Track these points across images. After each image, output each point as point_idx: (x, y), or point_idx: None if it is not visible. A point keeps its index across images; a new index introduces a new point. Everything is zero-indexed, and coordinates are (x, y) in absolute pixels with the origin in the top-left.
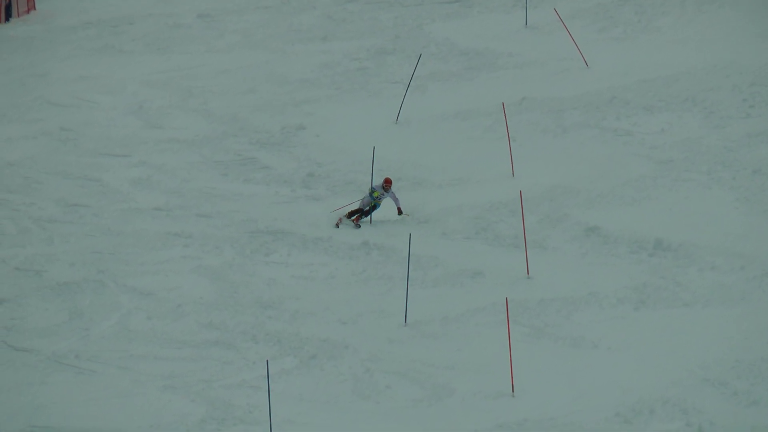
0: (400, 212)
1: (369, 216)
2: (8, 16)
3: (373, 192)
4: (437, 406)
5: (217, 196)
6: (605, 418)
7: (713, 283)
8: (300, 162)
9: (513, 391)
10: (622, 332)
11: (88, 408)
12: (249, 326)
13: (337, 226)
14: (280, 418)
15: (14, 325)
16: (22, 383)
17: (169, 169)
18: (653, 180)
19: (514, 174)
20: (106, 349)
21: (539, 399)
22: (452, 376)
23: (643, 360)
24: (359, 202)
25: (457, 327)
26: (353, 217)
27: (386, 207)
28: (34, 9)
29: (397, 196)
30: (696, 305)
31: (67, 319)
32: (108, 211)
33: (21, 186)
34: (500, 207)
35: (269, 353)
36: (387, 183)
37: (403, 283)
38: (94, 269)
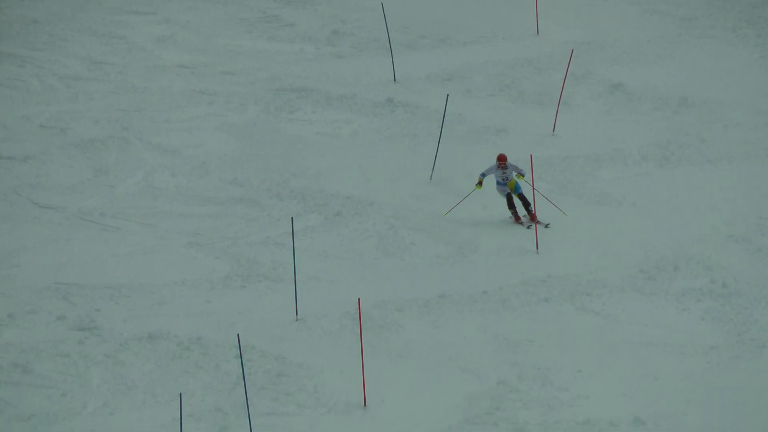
0: (520, 176)
1: (521, 207)
2: None
3: (492, 178)
4: (461, 263)
5: (241, 54)
6: (629, 275)
7: (737, 139)
8: (324, 19)
9: (537, 248)
10: (646, 189)
11: (112, 264)
12: (273, 183)
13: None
14: (305, 275)
15: (39, 183)
16: (48, 240)
17: (194, 27)
18: (677, 37)
19: (539, 31)
20: (131, 207)
21: (563, 256)
22: (477, 233)
23: (667, 217)
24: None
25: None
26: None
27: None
28: None
29: (519, 167)
30: (720, 162)
31: (92, 177)
32: (133, 69)
33: (46, 43)
34: (525, 64)
35: (293, 210)
36: (501, 160)
37: (428, 141)
38: (118, 126)
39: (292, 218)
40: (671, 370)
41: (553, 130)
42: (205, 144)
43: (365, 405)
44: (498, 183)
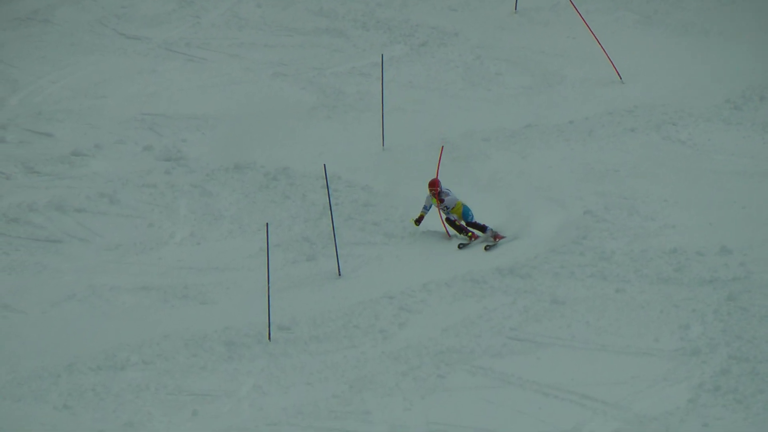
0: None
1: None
2: None
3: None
4: (547, 93)
5: None
6: (714, 105)
7: None
8: None
9: (621, 78)
10: (733, 20)
11: (198, 95)
12: (359, 14)
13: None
14: (391, 106)
15: (125, 14)
16: (134, 71)
17: None
18: None
19: None
20: (217, 37)
21: (649, 85)
22: (562, 63)
23: (755, 46)
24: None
25: (569, 13)
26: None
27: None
28: None
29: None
30: None
31: (177, 7)
32: None
33: None
34: None
35: (379, 40)
36: (432, 186)
37: None
38: None
39: (381, 56)
40: (758, 199)
41: None
42: None
43: (449, 237)
44: (443, 212)
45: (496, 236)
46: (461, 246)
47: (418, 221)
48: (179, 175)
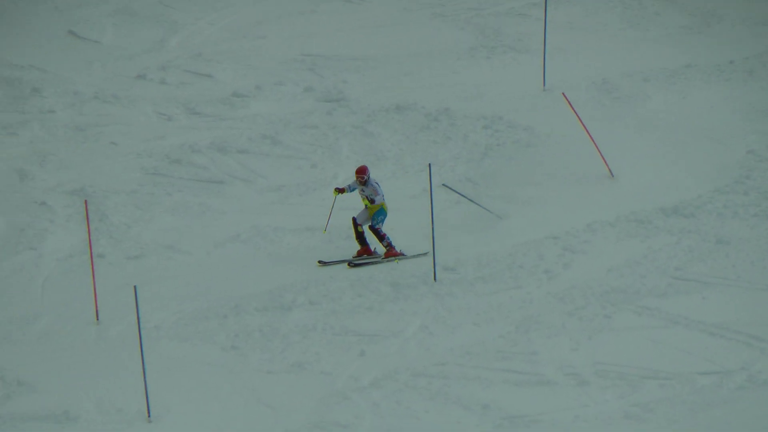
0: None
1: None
2: None
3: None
4: (707, 33)
5: None
6: None
7: None
8: None
9: None
10: None
11: (359, 36)
12: None
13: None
14: (551, 46)
15: None
16: (293, 12)
17: None
18: None
19: None
20: None
21: None
22: (721, 2)
23: None
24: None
25: None
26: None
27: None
28: None
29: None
30: None
31: None
32: None
33: None
34: None
35: None
36: (359, 173)
37: None
38: None
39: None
40: None
41: None
42: None
43: (612, 175)
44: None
45: (390, 252)
46: (350, 265)
47: (339, 190)
48: (340, 116)
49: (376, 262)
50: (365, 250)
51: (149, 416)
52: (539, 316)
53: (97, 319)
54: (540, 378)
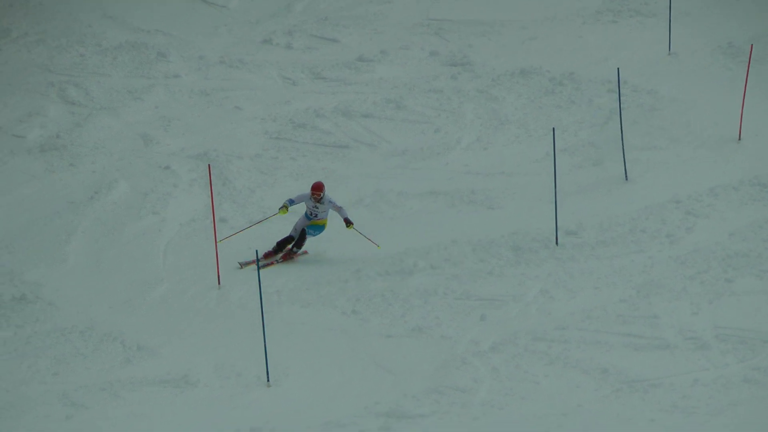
0: (348, 223)
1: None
2: None
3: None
4: None
5: None
6: None
7: None
8: None
9: None
10: None
11: (482, 1)
12: None
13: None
14: (677, 11)
15: None
16: None
17: None
18: None
19: None
20: None
21: None
22: None
23: None
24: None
25: None
26: (280, 254)
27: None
28: None
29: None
30: None
31: None
32: None
33: None
34: None
35: None
36: (316, 190)
37: None
38: None
39: None
40: None
41: None
42: None
43: (739, 138)
44: (305, 214)
45: (290, 254)
46: (242, 265)
47: (284, 209)
48: (465, 80)
49: (267, 264)
50: (285, 257)
51: (268, 381)
52: (660, 280)
53: (219, 284)
54: (660, 342)
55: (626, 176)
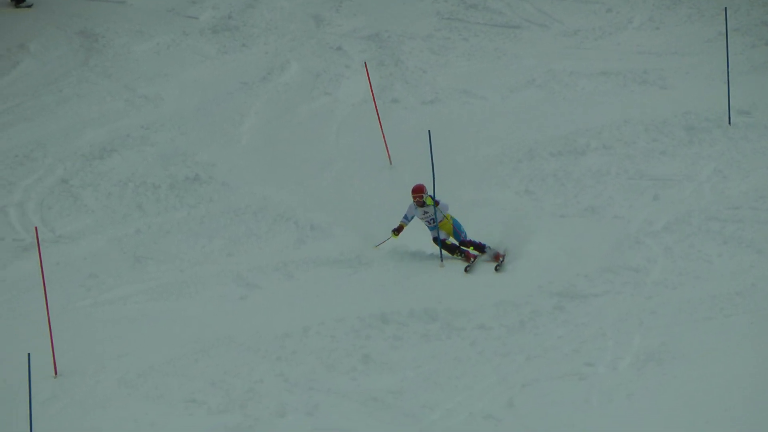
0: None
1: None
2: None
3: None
4: None
5: None
6: None
7: None
8: None
9: None
10: None
11: None
12: None
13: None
14: None
15: None
16: None
17: None
18: None
19: None
20: None
21: None
22: None
23: None
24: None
25: None
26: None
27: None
28: None
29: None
30: None
31: None
32: None
33: None
34: None
35: None
36: (416, 192)
37: None
38: None
39: None
40: None
41: None
42: None
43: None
44: (428, 228)
45: (496, 255)
46: (468, 270)
47: (397, 232)
48: None
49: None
50: (468, 255)
51: (441, 261)
52: None
53: (391, 164)
54: None
55: None
